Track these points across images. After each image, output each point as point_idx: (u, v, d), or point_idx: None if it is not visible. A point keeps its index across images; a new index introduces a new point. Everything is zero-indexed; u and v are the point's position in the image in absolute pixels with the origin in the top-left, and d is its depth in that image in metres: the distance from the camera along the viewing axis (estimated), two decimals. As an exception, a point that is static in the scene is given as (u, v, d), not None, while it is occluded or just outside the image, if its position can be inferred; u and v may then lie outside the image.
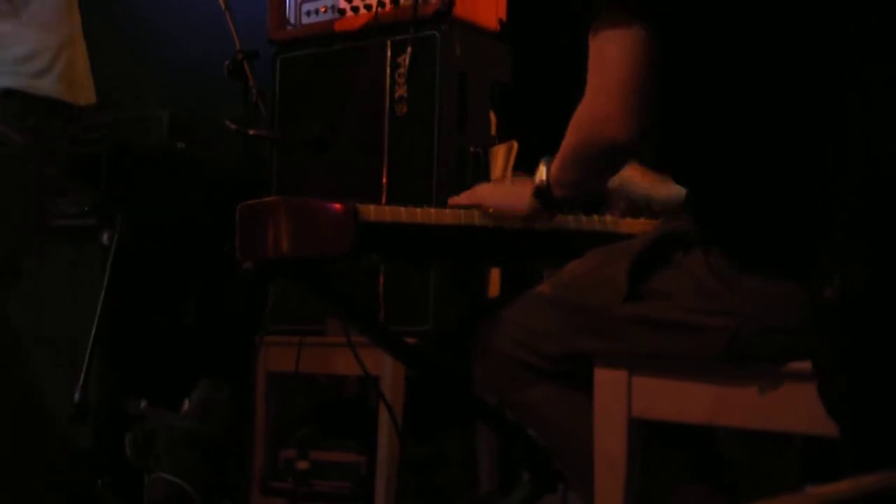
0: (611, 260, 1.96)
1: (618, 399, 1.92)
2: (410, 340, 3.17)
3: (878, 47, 1.70)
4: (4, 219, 2.71)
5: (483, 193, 2.23)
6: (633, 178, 2.34)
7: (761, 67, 1.78)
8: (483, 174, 3.47)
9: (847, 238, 1.56)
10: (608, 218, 2.39)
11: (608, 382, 1.93)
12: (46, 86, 2.71)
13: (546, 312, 2.00)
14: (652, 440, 2.01)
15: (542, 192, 2.01)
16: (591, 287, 1.96)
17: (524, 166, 3.49)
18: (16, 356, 2.74)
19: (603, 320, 1.92)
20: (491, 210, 2.15)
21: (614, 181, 2.28)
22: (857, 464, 1.42)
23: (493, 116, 3.65)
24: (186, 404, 3.89)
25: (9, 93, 2.66)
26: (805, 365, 1.62)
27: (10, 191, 2.70)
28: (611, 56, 1.80)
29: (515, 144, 3.54)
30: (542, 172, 2.00)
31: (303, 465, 3.42)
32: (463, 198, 2.23)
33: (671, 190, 2.24)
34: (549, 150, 2.01)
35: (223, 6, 3.47)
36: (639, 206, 2.41)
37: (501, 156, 3.54)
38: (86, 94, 2.82)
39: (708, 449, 2.18)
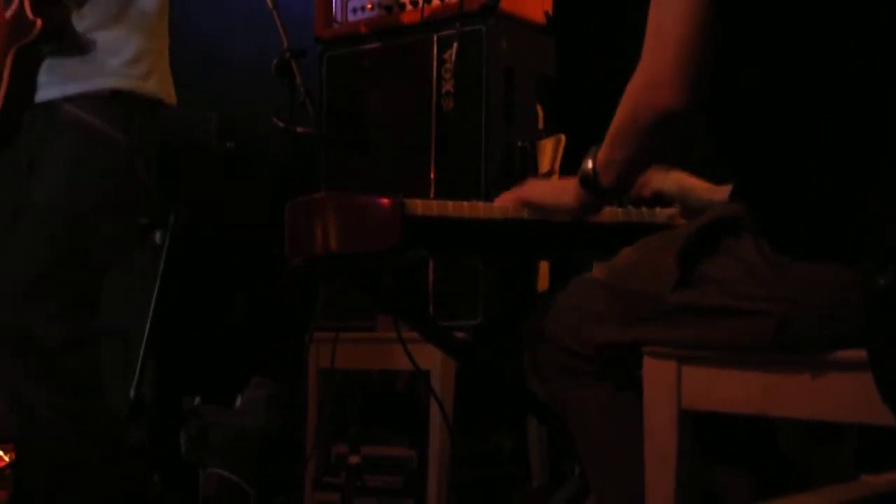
0: (663, 247, 1.94)
1: (667, 390, 1.90)
2: (460, 335, 3.18)
3: None
4: (113, 215, 2.78)
5: (529, 191, 2.22)
6: (694, 185, 2.33)
7: (817, 52, 1.77)
8: (531, 168, 3.47)
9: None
10: (657, 210, 2.39)
11: (658, 373, 1.92)
12: (151, 87, 2.80)
13: (598, 297, 1.99)
14: (703, 432, 2.02)
15: (588, 181, 1.97)
16: (643, 274, 1.95)
17: (572, 160, 3.50)
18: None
19: (655, 307, 1.91)
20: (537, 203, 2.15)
21: (673, 188, 2.28)
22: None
23: (540, 110, 3.64)
24: (239, 401, 3.93)
25: (116, 94, 2.72)
26: (859, 353, 1.60)
27: (122, 187, 2.79)
28: (669, 20, 1.78)
29: (563, 138, 3.54)
30: (588, 161, 1.97)
31: (355, 459, 3.42)
32: (509, 195, 2.22)
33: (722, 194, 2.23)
34: (598, 143, 2.00)
35: (270, 5, 3.49)
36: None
37: (549, 149, 3.54)
38: (172, 94, 2.88)
39: (760, 440, 2.18)
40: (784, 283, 1.78)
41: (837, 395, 1.76)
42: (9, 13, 2.72)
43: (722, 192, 2.24)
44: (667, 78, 1.78)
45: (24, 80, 2.74)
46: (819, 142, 1.77)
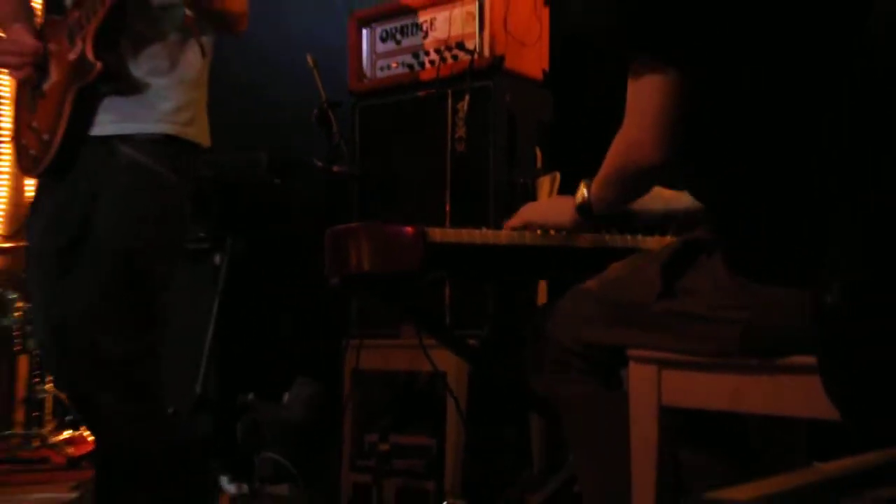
0: (648, 262, 1.96)
1: (649, 390, 1.91)
2: (472, 342, 3.19)
3: (868, 89, 1.70)
4: (166, 244, 2.75)
5: (530, 211, 2.23)
6: (670, 196, 2.34)
7: (769, 107, 1.78)
8: (530, 200, 3.48)
9: (844, 254, 1.56)
10: (639, 237, 2.40)
11: (641, 375, 1.92)
12: (193, 132, 2.73)
13: (591, 304, 2.00)
14: (685, 425, 2.03)
15: (583, 208, 2.02)
16: (630, 285, 1.96)
17: (566, 193, 3.52)
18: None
19: (640, 314, 1.92)
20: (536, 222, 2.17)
21: (658, 204, 2.30)
22: (856, 443, 1.42)
23: (538, 152, 3.65)
24: (286, 397, 3.94)
25: (168, 138, 2.66)
26: (810, 359, 1.60)
27: (172, 221, 2.75)
28: (647, 94, 1.79)
29: (558, 175, 3.54)
30: (583, 191, 2.01)
31: (384, 447, 3.43)
32: (515, 219, 2.24)
33: (687, 201, 2.25)
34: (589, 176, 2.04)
35: (311, 64, 3.51)
36: (657, 218, 2.40)
37: (546, 185, 3.54)
38: (208, 139, 2.83)
39: (734, 433, 2.18)
40: (748, 295, 1.79)
41: (793, 394, 1.77)
42: (72, 55, 2.63)
43: (679, 200, 2.27)
44: (647, 140, 1.80)
45: (83, 116, 2.66)
46: (776, 181, 1.78)
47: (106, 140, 2.63)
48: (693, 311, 1.86)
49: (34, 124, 2.72)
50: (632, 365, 1.94)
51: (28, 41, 2.72)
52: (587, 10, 1.96)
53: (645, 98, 1.80)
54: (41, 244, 2.74)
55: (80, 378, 2.68)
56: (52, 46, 2.71)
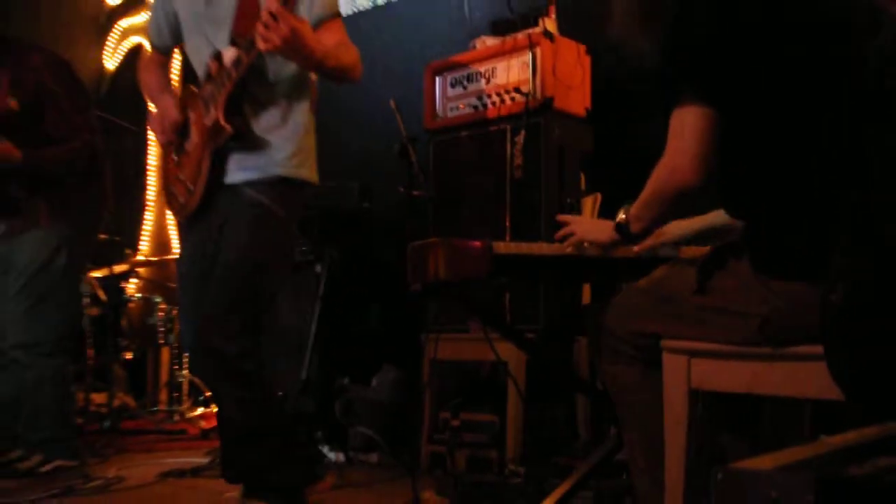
0: (687, 265, 1.96)
1: (681, 375, 1.90)
2: (528, 335, 3.19)
3: (875, 115, 1.69)
4: (278, 265, 2.82)
5: (576, 225, 2.21)
6: (685, 224, 2.32)
7: (787, 136, 1.79)
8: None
9: (847, 260, 1.54)
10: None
11: (673, 363, 1.91)
12: (304, 173, 2.80)
13: (639, 297, 2.01)
14: (710, 406, 2.01)
15: (621, 227, 1.99)
16: (672, 282, 1.96)
17: (605, 211, 3.49)
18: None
19: (678, 306, 1.91)
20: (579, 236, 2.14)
21: (676, 231, 2.28)
22: (858, 420, 1.39)
23: (582, 176, 3.64)
24: (375, 381, 3.95)
25: (282, 180, 2.73)
26: (818, 349, 1.58)
27: (279, 248, 2.81)
28: (687, 126, 1.80)
29: (599, 196, 3.52)
30: (622, 213, 1.98)
31: (455, 422, 3.43)
32: (564, 229, 2.21)
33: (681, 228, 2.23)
34: (623, 199, 2.02)
35: (393, 107, 3.53)
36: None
37: (589, 204, 3.53)
38: (316, 177, 2.88)
39: (750, 412, 2.15)
40: (768, 293, 1.78)
41: (803, 377, 1.75)
42: (208, 121, 2.72)
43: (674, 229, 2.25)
44: (686, 165, 1.79)
45: (218, 169, 2.74)
46: (794, 200, 1.79)
47: (233, 185, 2.73)
48: (720, 306, 1.87)
49: (181, 176, 2.84)
50: (665, 355, 1.93)
51: (172, 115, 2.84)
52: (634, 56, 1.95)
53: (687, 130, 1.80)
54: (188, 267, 2.86)
55: (206, 368, 2.74)
56: (191, 114, 2.83)
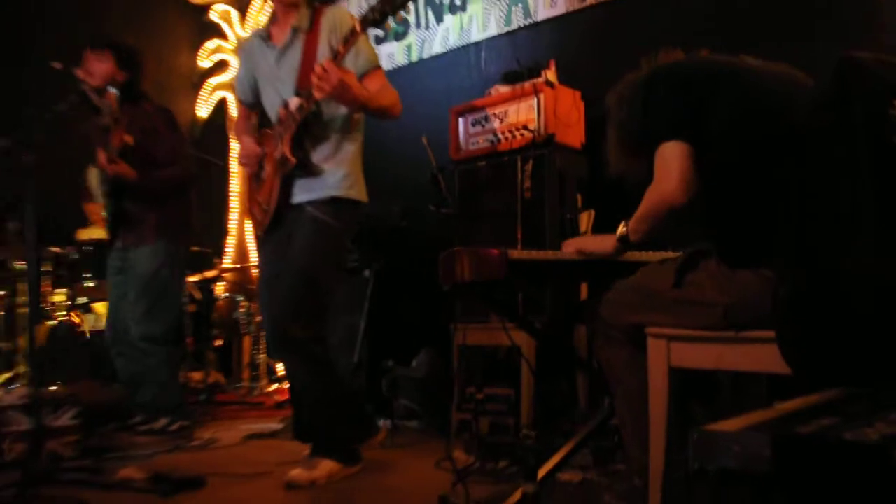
0: (668, 265, 1.96)
1: (662, 356, 1.89)
2: (537, 325, 3.18)
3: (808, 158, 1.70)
4: (334, 267, 2.87)
5: (580, 242, 2.22)
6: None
7: (742, 166, 1.82)
8: (574, 230, 3.47)
9: (792, 260, 1.54)
10: (643, 253, 2.35)
11: (656, 346, 1.91)
12: (353, 193, 2.86)
13: (627, 294, 2.00)
14: (682, 382, 2.01)
15: (623, 238, 2.01)
16: (654, 279, 1.96)
17: (598, 225, 3.49)
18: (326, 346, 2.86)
19: (658, 299, 1.92)
20: (586, 251, 2.14)
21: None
22: (803, 389, 1.39)
23: (579, 197, 3.63)
24: (414, 362, 3.96)
25: (334, 199, 2.79)
26: (770, 333, 1.57)
27: (335, 258, 2.86)
28: (670, 159, 1.83)
29: (593, 212, 3.53)
30: (622, 227, 2.01)
31: (479, 395, 3.43)
32: (571, 243, 2.22)
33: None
34: (611, 216, 2.06)
35: (425, 143, 3.55)
36: None
37: (585, 219, 3.53)
38: (365, 196, 2.93)
39: (712, 385, 2.15)
40: (730, 287, 1.80)
41: (759, 356, 1.75)
42: (277, 154, 2.80)
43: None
44: (672, 191, 1.82)
45: (285, 192, 2.83)
46: (750, 214, 1.81)
47: (298, 205, 2.80)
48: (692, 298, 1.87)
49: (259, 199, 2.94)
50: (649, 339, 1.93)
51: (255, 150, 2.92)
52: (634, 178, 2.02)
53: (670, 160, 1.83)
54: (265, 271, 2.94)
55: (282, 351, 2.78)
56: (267, 149, 2.88)
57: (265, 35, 2.91)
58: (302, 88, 2.72)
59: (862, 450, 0.93)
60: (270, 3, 6.19)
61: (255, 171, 2.96)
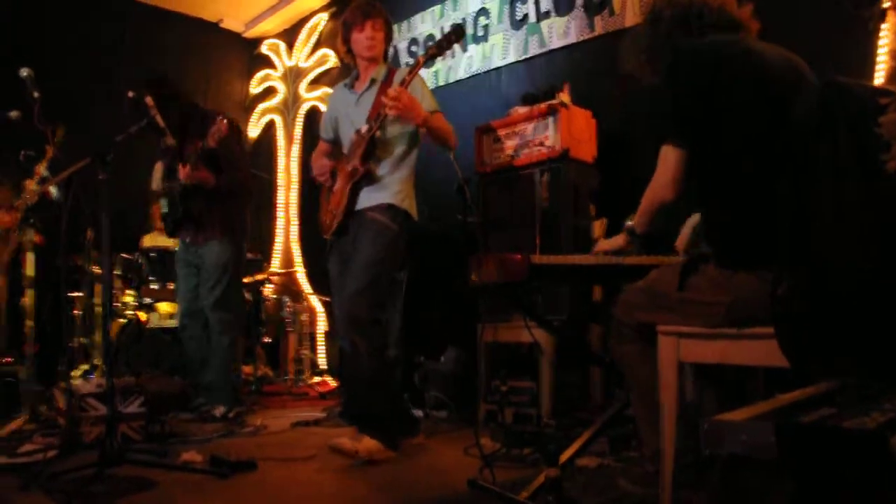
0: (672, 268, 1.95)
1: (672, 351, 1.88)
2: (556, 323, 3.18)
3: (802, 148, 1.68)
4: (392, 262, 2.99)
5: (600, 245, 2.22)
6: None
7: (734, 169, 1.80)
8: (586, 238, 3.46)
9: (789, 260, 1.52)
10: (655, 256, 2.34)
11: (666, 343, 1.90)
12: (406, 204, 3.04)
13: (638, 295, 1.99)
14: (696, 375, 2.00)
15: (629, 231, 2.05)
16: (661, 282, 1.95)
17: (610, 232, 3.47)
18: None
19: (665, 300, 1.91)
20: (605, 249, 2.16)
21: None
22: (800, 382, 1.38)
23: (591, 207, 3.62)
24: (443, 358, 3.96)
25: (390, 207, 2.99)
26: (769, 329, 1.56)
27: (393, 254, 2.98)
28: (666, 161, 1.87)
29: (605, 220, 3.50)
30: (629, 220, 2.05)
31: (504, 388, 3.43)
32: (596, 249, 2.23)
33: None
34: (622, 223, 2.09)
35: (452, 158, 3.54)
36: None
37: (598, 227, 3.50)
38: (415, 211, 3.11)
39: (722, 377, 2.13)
40: (729, 287, 1.79)
41: (759, 351, 1.73)
42: (349, 167, 3.02)
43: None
44: (664, 188, 1.87)
45: (352, 201, 3.02)
46: (746, 213, 1.79)
47: (360, 211, 3.00)
48: (696, 299, 1.86)
49: (330, 207, 3.11)
50: (660, 337, 1.92)
51: (328, 164, 3.16)
52: (643, 82, 2.03)
53: (667, 163, 1.87)
54: (336, 267, 3.09)
55: (349, 331, 2.91)
56: (339, 171, 3.10)
57: (350, 84, 3.22)
58: (371, 119, 3.01)
59: (861, 437, 0.92)
60: (317, 38, 6.25)
61: (329, 184, 3.15)
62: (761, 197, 1.74)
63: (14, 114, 3.40)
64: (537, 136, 3.63)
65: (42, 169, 3.81)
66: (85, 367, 4.62)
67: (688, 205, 2.06)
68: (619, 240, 2.10)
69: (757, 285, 1.71)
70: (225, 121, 3.63)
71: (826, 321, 1.41)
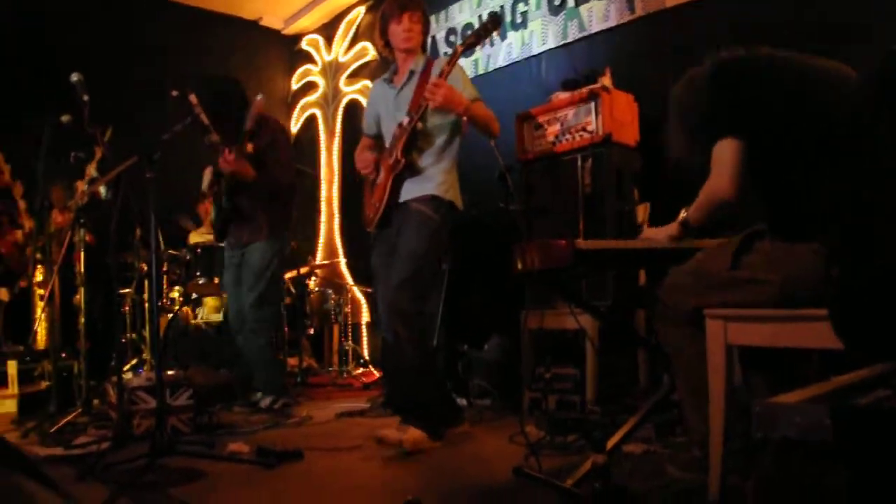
0: (725, 246, 1.92)
1: (719, 335, 1.84)
2: (600, 308, 3.14)
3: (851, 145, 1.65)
4: (435, 253, 2.99)
5: (648, 233, 2.20)
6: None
7: (791, 157, 1.81)
8: (630, 222, 3.41)
9: (844, 241, 1.48)
10: (695, 241, 2.30)
11: (714, 326, 1.86)
12: (450, 195, 3.03)
13: (685, 277, 1.96)
14: (742, 358, 1.96)
15: (684, 223, 2.01)
16: (712, 260, 1.92)
17: (653, 216, 3.41)
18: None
19: (715, 279, 1.88)
20: (655, 238, 2.12)
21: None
22: (854, 365, 1.33)
23: (635, 191, 3.56)
24: (486, 346, 3.95)
25: (434, 198, 2.98)
26: (822, 311, 1.52)
27: (437, 245, 2.99)
28: (724, 155, 1.85)
29: (648, 205, 3.45)
30: (683, 213, 2.02)
31: (548, 374, 3.40)
32: (643, 235, 2.22)
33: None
34: (665, 208, 2.05)
35: (493, 145, 3.53)
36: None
37: (641, 211, 3.46)
38: (459, 201, 3.10)
39: (770, 360, 2.07)
40: (784, 263, 1.78)
41: (813, 333, 1.68)
42: (391, 160, 3.01)
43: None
44: (725, 188, 1.85)
45: (395, 193, 3.02)
46: (804, 197, 1.80)
47: (404, 202, 3.00)
48: (747, 277, 1.84)
49: (373, 200, 3.11)
50: (707, 320, 1.88)
51: (371, 157, 3.17)
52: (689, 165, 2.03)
53: (725, 158, 1.85)
54: (380, 259, 3.09)
55: (393, 319, 2.91)
56: (382, 165, 3.09)
57: (389, 79, 3.22)
58: (411, 111, 3.01)
59: (919, 419, 0.89)
60: (355, 31, 6.27)
61: (373, 178, 3.16)
62: (820, 167, 1.73)
63: (65, 118, 3.48)
64: (579, 122, 3.59)
65: (92, 170, 3.91)
66: (134, 361, 4.74)
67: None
68: (670, 230, 2.06)
69: (812, 263, 1.69)
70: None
71: (883, 302, 1.36)
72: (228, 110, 3.83)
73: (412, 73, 3.12)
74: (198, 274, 4.69)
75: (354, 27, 6.33)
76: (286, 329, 4.88)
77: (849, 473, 0.94)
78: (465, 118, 2.99)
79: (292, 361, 5.10)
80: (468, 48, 2.92)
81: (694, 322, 1.91)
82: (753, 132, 1.83)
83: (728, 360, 1.83)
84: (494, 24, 2.91)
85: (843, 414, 0.93)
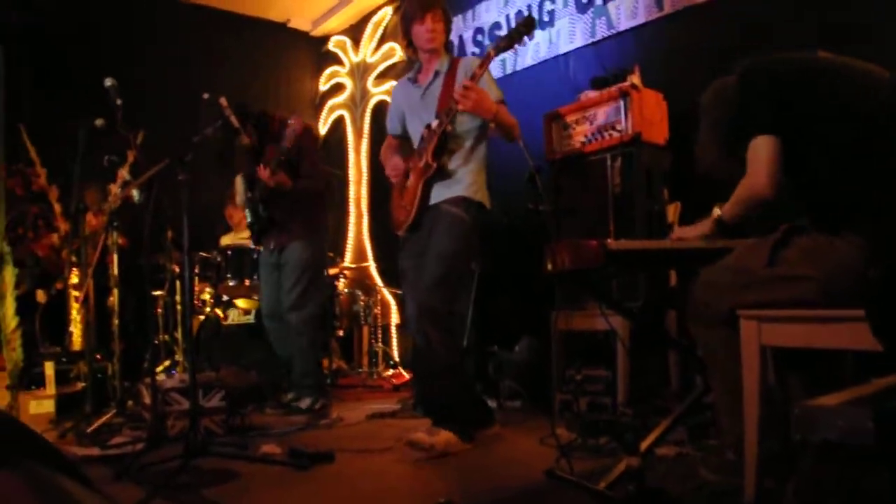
0: (758, 245, 1.90)
1: (753, 336, 1.82)
2: (632, 308, 3.11)
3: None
4: (466, 254, 3.00)
5: (683, 232, 2.17)
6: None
7: (826, 153, 1.80)
8: (660, 222, 3.38)
9: (883, 243, 1.45)
10: (728, 241, 2.27)
11: (748, 327, 1.83)
12: (479, 196, 3.04)
13: (718, 275, 1.94)
14: (776, 359, 1.92)
15: (719, 221, 2.00)
16: (748, 257, 1.90)
17: (684, 217, 3.37)
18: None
19: (751, 277, 1.86)
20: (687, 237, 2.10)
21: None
22: (893, 367, 1.31)
23: (665, 190, 3.53)
24: (517, 347, 3.94)
25: (464, 199, 2.99)
26: (859, 312, 1.49)
27: (467, 245, 2.98)
28: (761, 153, 1.84)
29: (679, 204, 3.42)
30: (716, 210, 2.01)
31: (578, 376, 3.38)
32: (674, 235, 2.20)
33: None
34: (696, 206, 2.02)
35: (522, 146, 3.51)
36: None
37: (672, 211, 3.43)
38: (487, 200, 3.09)
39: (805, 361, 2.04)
40: (825, 259, 1.75)
41: (848, 334, 1.66)
42: (421, 164, 3.02)
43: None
44: (762, 186, 1.84)
45: (426, 195, 3.02)
46: (844, 193, 1.78)
47: (435, 205, 3.02)
48: (786, 274, 1.81)
49: (403, 203, 3.11)
50: (742, 320, 1.85)
51: (401, 163, 3.17)
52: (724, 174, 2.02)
53: (762, 155, 1.83)
54: (408, 261, 3.10)
55: (424, 321, 2.91)
56: (411, 167, 3.10)
57: (413, 78, 3.22)
58: (441, 112, 3.00)
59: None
60: (383, 32, 6.30)
61: (402, 182, 3.17)
62: (861, 163, 1.73)
63: (99, 122, 3.54)
64: (608, 121, 3.57)
65: (125, 173, 3.97)
66: (167, 363, 4.81)
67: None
68: (703, 227, 2.04)
69: (851, 258, 1.68)
70: (297, 121, 3.69)
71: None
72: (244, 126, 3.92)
73: (437, 73, 3.13)
74: (228, 276, 4.73)
75: (382, 28, 6.35)
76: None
77: (893, 476, 0.92)
78: (492, 124, 2.99)
79: (323, 363, 5.13)
80: (500, 52, 2.87)
81: (728, 322, 1.89)
82: (790, 128, 1.81)
83: (762, 362, 1.80)
84: (528, 27, 2.80)
85: (888, 417, 0.91)
